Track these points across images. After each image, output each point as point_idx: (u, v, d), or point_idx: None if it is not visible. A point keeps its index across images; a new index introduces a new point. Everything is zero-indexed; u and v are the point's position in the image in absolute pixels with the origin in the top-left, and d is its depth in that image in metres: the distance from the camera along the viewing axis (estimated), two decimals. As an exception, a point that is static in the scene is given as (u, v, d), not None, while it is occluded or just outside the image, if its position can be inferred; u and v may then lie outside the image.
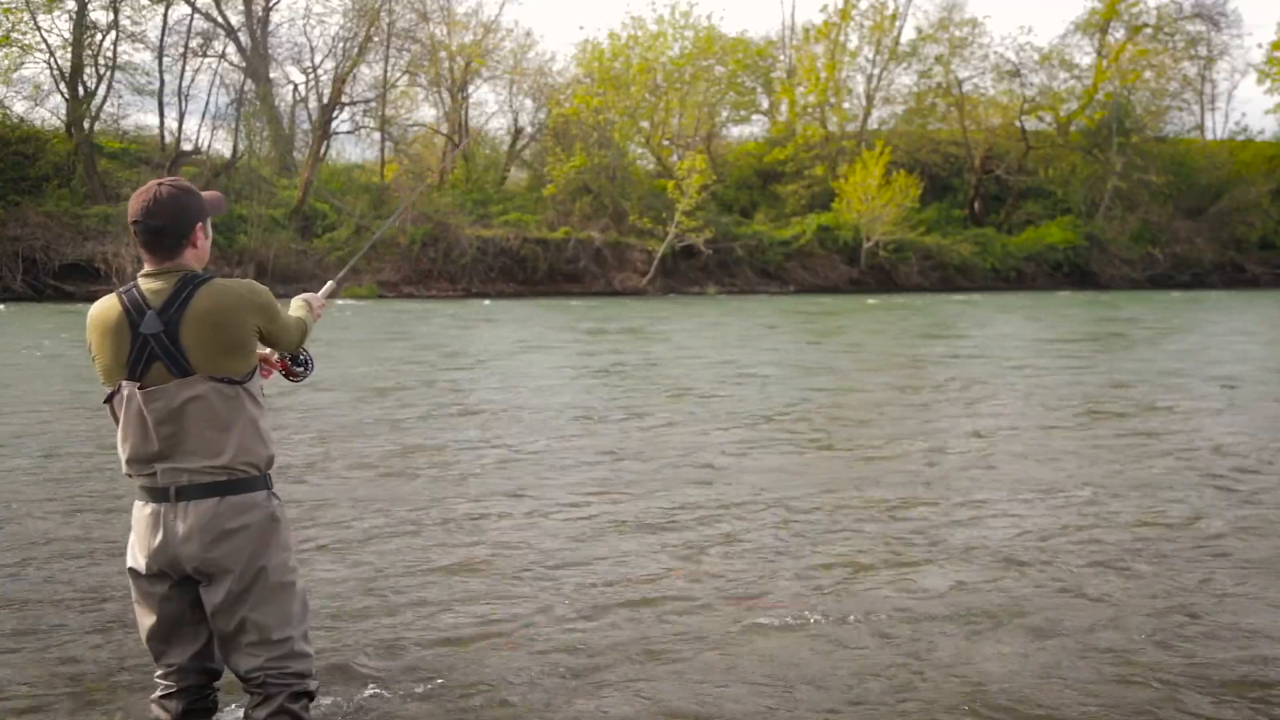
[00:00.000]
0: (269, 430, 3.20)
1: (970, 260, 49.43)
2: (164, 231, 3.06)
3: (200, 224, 3.13)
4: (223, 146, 44.80)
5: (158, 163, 40.90)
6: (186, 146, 43.50)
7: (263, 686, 3.16)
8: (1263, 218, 54.83)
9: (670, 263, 44.93)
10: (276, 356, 3.55)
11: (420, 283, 41.20)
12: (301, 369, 3.62)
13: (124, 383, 3.06)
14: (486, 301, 37.14)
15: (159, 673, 3.28)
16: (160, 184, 3.10)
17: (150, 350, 3.02)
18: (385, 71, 46.69)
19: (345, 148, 51.74)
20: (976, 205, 54.32)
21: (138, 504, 3.15)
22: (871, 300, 38.78)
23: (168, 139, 43.13)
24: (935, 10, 65.51)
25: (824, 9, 67.02)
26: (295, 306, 3.56)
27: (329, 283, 3.94)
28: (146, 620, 3.21)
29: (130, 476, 3.13)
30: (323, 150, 45.45)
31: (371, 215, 42.48)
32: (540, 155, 50.19)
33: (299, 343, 3.40)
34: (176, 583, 3.14)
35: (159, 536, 3.08)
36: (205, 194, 3.22)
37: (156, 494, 3.08)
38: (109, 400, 3.11)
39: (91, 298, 40.66)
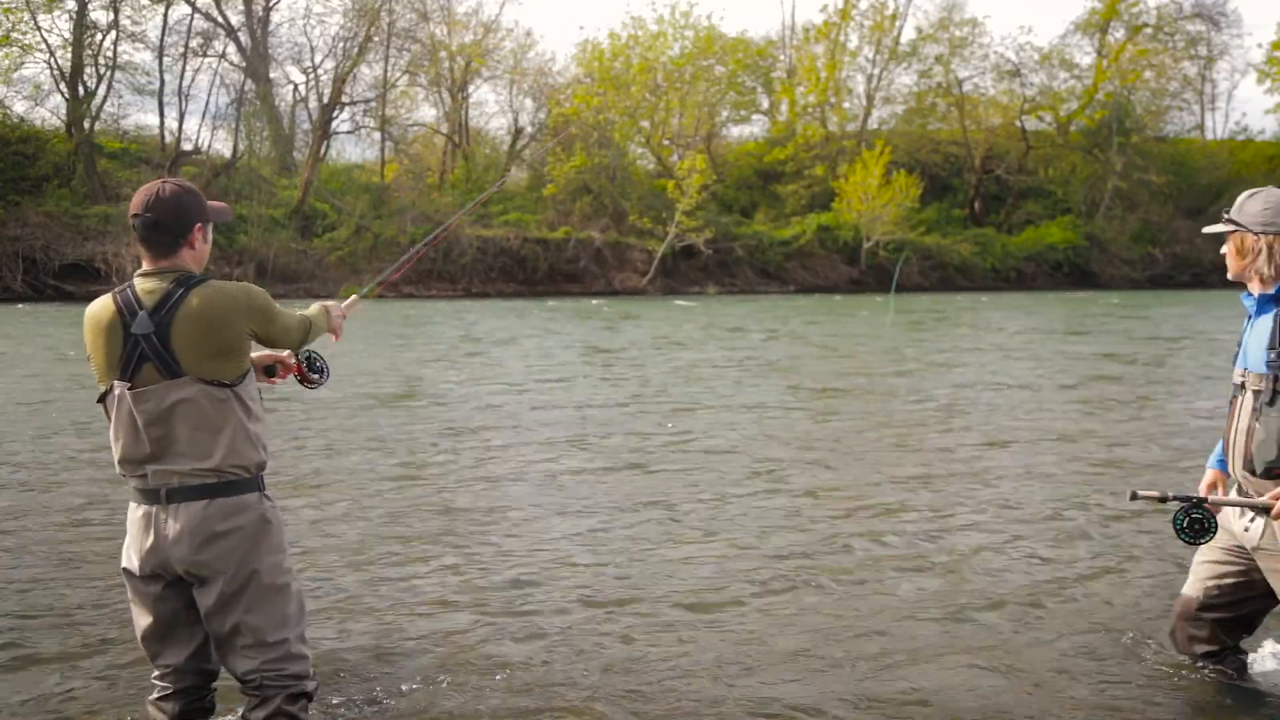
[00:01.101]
0: (262, 434, 3.18)
1: (970, 260, 49.43)
2: (161, 228, 3.06)
3: (200, 225, 3.14)
4: (223, 146, 44.88)
5: (158, 163, 40.90)
6: (186, 146, 43.54)
7: (260, 688, 3.16)
8: (1263, 218, 54.78)
9: (670, 263, 44.94)
10: (292, 360, 3.54)
11: (420, 282, 41.18)
12: (318, 375, 3.62)
13: (116, 383, 3.06)
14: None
15: (155, 674, 3.28)
16: (164, 182, 3.13)
17: (141, 351, 3.02)
18: (385, 71, 46.72)
19: (345, 148, 51.80)
20: (976, 205, 54.32)
21: (131, 505, 3.15)
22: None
23: (168, 139, 43.17)
24: (935, 10, 65.66)
25: (824, 9, 67.20)
26: (312, 308, 3.58)
27: (353, 296, 3.95)
28: (142, 621, 3.21)
29: (124, 477, 3.13)
30: (323, 150, 45.45)
31: (371, 215, 42.48)
32: (540, 155, 50.17)
33: (300, 340, 3.38)
34: (170, 583, 3.14)
35: (150, 538, 3.08)
36: (212, 203, 3.22)
37: (148, 495, 3.08)
38: (102, 399, 3.12)
39: (91, 298, 40.45)
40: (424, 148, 51.03)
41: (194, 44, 43.24)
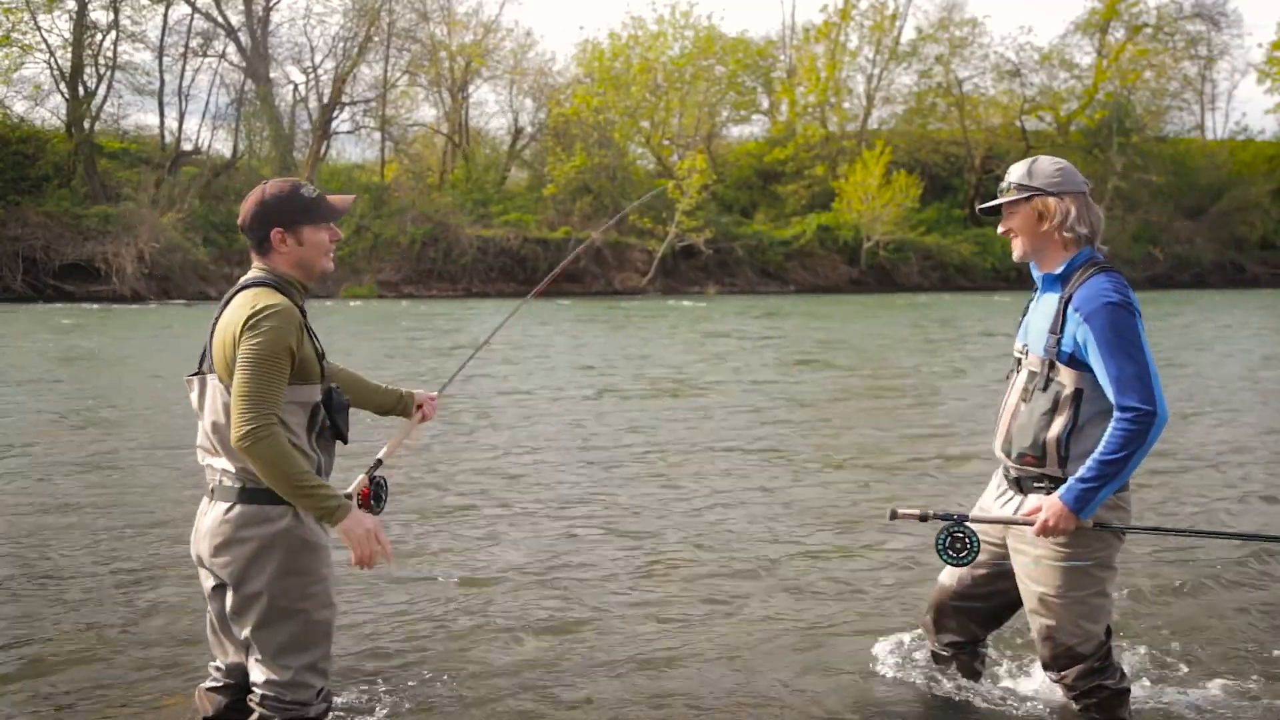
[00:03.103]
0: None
1: (970, 260, 49.43)
2: (245, 231, 3.11)
3: (280, 230, 3.06)
4: (223, 146, 44.90)
5: (158, 162, 40.93)
6: (186, 146, 43.55)
7: (260, 703, 3.08)
8: (1263, 218, 54.78)
9: (670, 263, 44.94)
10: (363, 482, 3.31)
11: (420, 282, 41.21)
12: (375, 504, 3.34)
13: None
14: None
15: (213, 662, 3.30)
16: (263, 185, 3.13)
17: (207, 342, 3.09)
18: (385, 71, 46.74)
19: (345, 148, 51.83)
20: (977, 205, 54.26)
21: None
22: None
23: (168, 139, 43.17)
24: (935, 10, 65.59)
25: (824, 9, 67.15)
26: (320, 485, 2.97)
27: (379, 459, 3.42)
28: (208, 607, 3.24)
29: None
30: (323, 150, 45.47)
31: (371, 215, 42.48)
32: (540, 155, 50.18)
33: (239, 425, 2.86)
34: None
35: (195, 530, 3.13)
36: (333, 198, 3.16)
37: (206, 488, 3.14)
38: None
39: (91, 298, 40.07)
40: (424, 148, 51.03)
41: (194, 44, 43.34)
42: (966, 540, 3.28)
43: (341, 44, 45.12)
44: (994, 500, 3.47)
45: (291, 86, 46.96)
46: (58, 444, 8.80)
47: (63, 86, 40.51)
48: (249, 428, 2.85)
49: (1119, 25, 55.61)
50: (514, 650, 4.27)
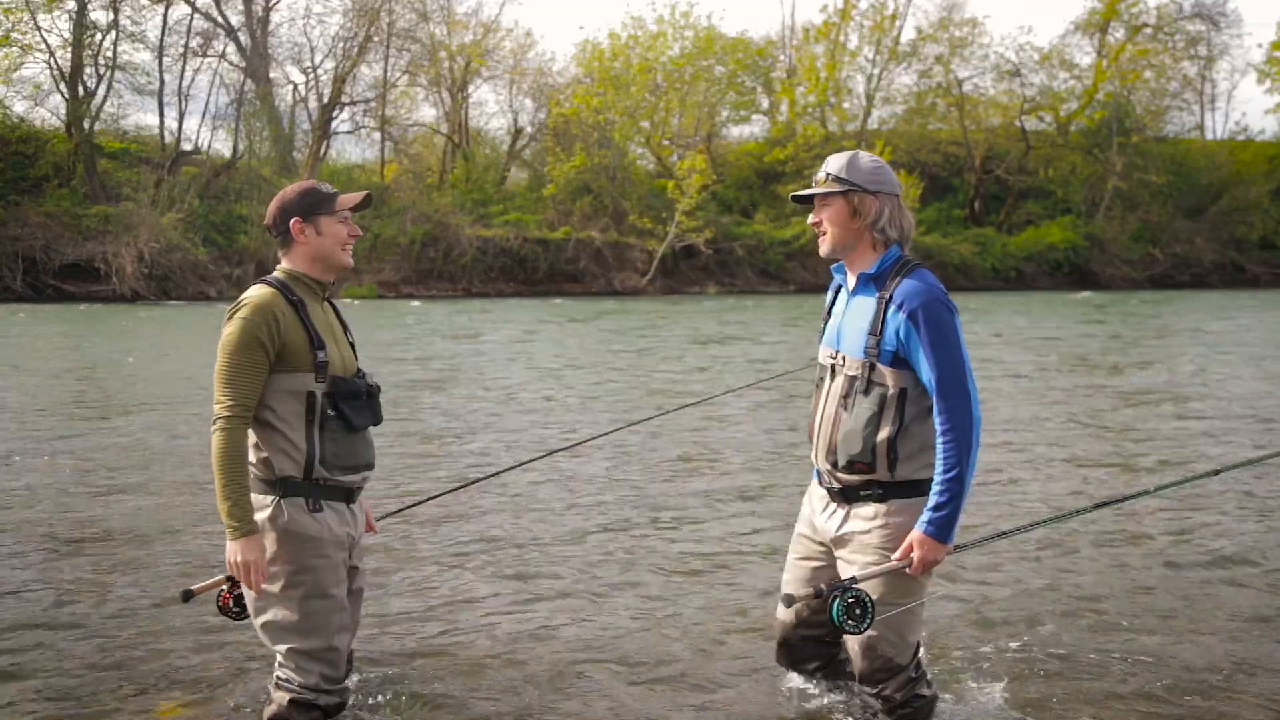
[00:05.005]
0: (284, 446, 3.08)
1: (970, 260, 49.41)
2: (269, 228, 3.28)
3: (298, 219, 3.20)
4: (223, 146, 44.86)
5: (158, 162, 40.89)
6: (186, 146, 43.50)
7: (275, 684, 3.21)
8: (1263, 218, 54.76)
9: (670, 263, 44.95)
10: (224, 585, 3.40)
11: (420, 282, 41.20)
12: (239, 611, 3.40)
13: None
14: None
15: None
16: (286, 187, 3.31)
17: None
18: (385, 71, 46.72)
19: (345, 148, 51.76)
20: (976, 205, 54.27)
21: None
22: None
23: (167, 139, 43.13)
24: (935, 10, 65.56)
25: (824, 9, 67.21)
26: (236, 511, 3.02)
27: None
28: None
29: None
30: (323, 150, 45.43)
31: (371, 215, 42.46)
32: (540, 155, 50.18)
33: (213, 421, 3.03)
34: None
35: None
36: (345, 196, 3.25)
37: None
38: None
39: (91, 298, 40.05)
40: (424, 148, 50.97)
41: (194, 44, 43.30)
42: (861, 601, 3.07)
43: (341, 44, 45.12)
44: (820, 515, 3.35)
45: (291, 86, 46.98)
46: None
47: (62, 86, 40.48)
48: (216, 415, 3.00)
49: (1119, 25, 55.60)
50: (534, 663, 4.27)
